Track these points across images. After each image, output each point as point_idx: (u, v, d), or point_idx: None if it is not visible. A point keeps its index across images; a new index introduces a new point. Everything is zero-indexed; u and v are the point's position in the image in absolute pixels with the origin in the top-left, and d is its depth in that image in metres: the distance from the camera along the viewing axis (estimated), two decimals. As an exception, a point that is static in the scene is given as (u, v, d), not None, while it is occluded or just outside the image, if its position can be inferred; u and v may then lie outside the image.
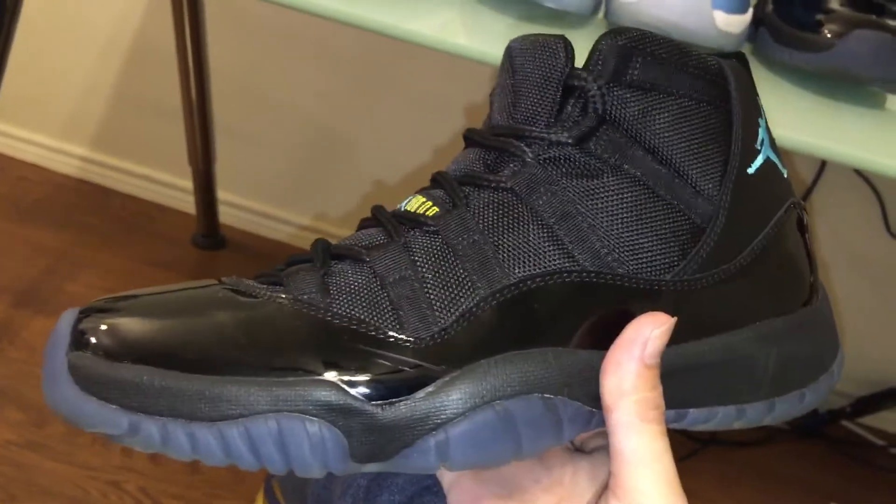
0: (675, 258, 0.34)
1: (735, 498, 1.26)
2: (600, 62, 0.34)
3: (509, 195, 0.34)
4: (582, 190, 0.34)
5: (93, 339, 0.30)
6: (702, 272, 0.34)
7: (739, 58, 0.38)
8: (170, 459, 1.01)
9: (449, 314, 0.32)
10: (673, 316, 0.33)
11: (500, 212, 0.33)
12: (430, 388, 0.30)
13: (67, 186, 1.55)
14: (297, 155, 1.47)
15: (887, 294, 1.31)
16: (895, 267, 1.28)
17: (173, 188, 1.54)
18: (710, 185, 0.35)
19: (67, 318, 0.31)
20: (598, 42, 0.34)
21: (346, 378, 0.30)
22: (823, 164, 1.19)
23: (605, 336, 0.33)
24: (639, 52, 0.34)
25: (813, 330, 0.38)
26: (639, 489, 0.31)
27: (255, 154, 1.47)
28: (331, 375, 0.30)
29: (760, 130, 0.37)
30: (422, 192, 0.36)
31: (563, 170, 0.34)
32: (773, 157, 0.37)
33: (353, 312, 0.31)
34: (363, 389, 0.30)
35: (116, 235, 1.47)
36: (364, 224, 0.36)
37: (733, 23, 0.62)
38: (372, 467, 0.31)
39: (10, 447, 1.11)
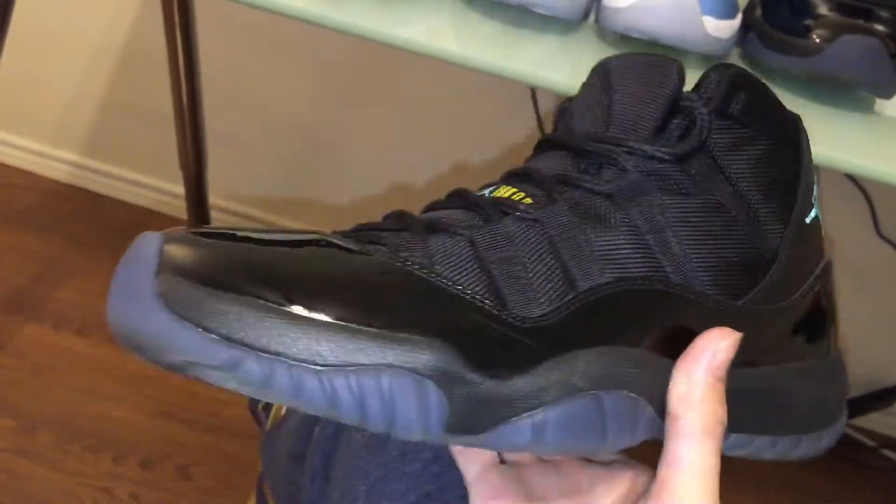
0: (747, 286, 0.36)
1: (726, 500, 1.26)
2: (711, 89, 0.35)
3: (606, 200, 0.34)
4: (675, 206, 0.35)
5: (190, 265, 0.28)
6: (764, 302, 0.36)
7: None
8: (160, 466, 1.00)
9: (550, 301, 0.32)
10: None
11: (597, 213, 0.34)
12: (533, 368, 0.30)
13: (57, 192, 1.55)
14: (288, 161, 1.47)
15: (877, 296, 1.32)
16: (885, 269, 1.29)
17: (164, 194, 1.54)
18: (778, 225, 0.37)
19: (152, 240, 0.29)
20: (709, 70, 0.36)
21: (457, 345, 0.29)
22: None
23: (673, 348, 0.34)
24: (743, 88, 0.36)
25: (839, 375, 0.41)
26: (687, 499, 0.32)
27: (246, 160, 1.47)
28: (443, 339, 0.29)
29: (815, 187, 0.39)
30: (508, 182, 0.36)
31: (660, 184, 0.35)
32: (819, 215, 0.40)
33: (462, 281, 0.31)
34: (473, 359, 0.29)
35: (107, 241, 1.46)
36: (436, 206, 0.36)
37: (722, 28, 0.62)
38: (463, 440, 0.30)
39: (1, 454, 1.10)
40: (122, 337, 0.28)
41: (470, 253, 0.32)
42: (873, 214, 1.22)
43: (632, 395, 0.32)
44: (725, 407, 0.33)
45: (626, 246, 0.34)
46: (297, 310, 0.28)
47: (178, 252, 0.29)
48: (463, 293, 0.31)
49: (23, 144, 1.56)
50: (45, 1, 1.37)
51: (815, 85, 0.65)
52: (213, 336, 0.27)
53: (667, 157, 0.35)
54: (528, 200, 0.34)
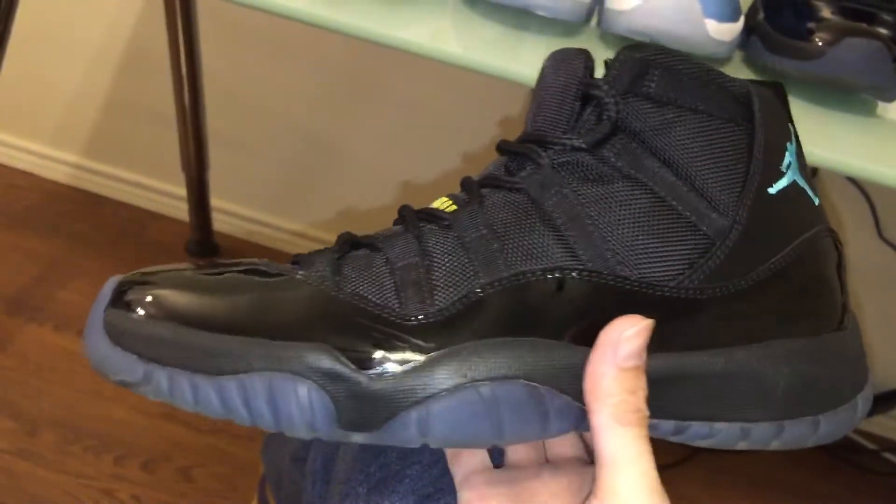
0: (682, 267, 0.34)
1: (724, 503, 1.26)
2: (616, 72, 0.35)
3: (522, 195, 0.35)
4: (592, 195, 0.35)
5: (126, 300, 0.33)
6: (709, 283, 0.35)
7: (776, 87, 0.39)
8: (162, 467, 1.00)
9: (447, 298, 0.33)
10: (673, 323, 0.34)
11: (511, 210, 0.35)
12: (416, 363, 0.32)
13: (59, 194, 1.55)
14: (290, 162, 1.47)
15: (879, 299, 1.31)
16: (887, 271, 1.29)
17: (166, 195, 1.54)
18: (727, 200, 0.35)
19: (111, 282, 0.34)
20: (617, 54, 0.36)
21: (339, 346, 0.32)
22: (815, 170, 1.19)
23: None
24: (656, 66, 0.35)
25: (833, 357, 0.38)
26: (616, 492, 0.32)
27: (248, 161, 1.47)
28: (326, 343, 0.32)
29: (787, 154, 0.37)
30: (449, 194, 0.38)
31: (576, 174, 0.35)
32: (802, 182, 0.38)
33: (358, 290, 0.33)
34: (354, 358, 0.32)
35: (108, 243, 1.46)
36: (394, 222, 0.38)
37: (724, 31, 0.62)
38: (358, 437, 0.32)
39: (2, 455, 1.10)
40: (89, 362, 0.34)
41: (381, 263, 0.35)
42: (875, 217, 1.22)
43: (531, 384, 0.32)
44: (641, 393, 0.32)
45: (540, 240, 0.34)
46: (200, 327, 0.32)
47: (124, 289, 0.34)
48: (352, 300, 0.33)
49: (24, 146, 1.56)
50: (46, 3, 1.37)
51: (818, 88, 0.65)
52: (134, 356, 0.32)
53: (580, 146, 0.35)
54: (453, 207, 0.36)
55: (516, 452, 0.39)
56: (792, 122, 0.39)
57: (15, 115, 1.53)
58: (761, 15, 0.67)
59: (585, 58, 0.37)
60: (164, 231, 1.52)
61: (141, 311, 0.33)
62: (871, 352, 1.43)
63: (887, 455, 1.36)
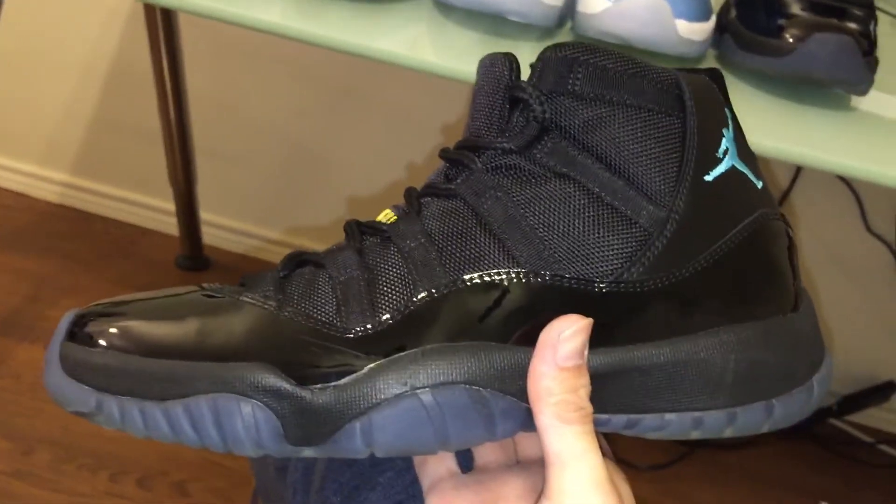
0: (620, 261, 0.35)
1: (725, 500, 1.26)
2: (540, 73, 0.36)
3: (458, 201, 0.36)
4: (526, 196, 0.35)
5: (78, 332, 0.34)
6: (649, 275, 0.35)
7: (713, 72, 0.38)
8: (157, 483, 1.00)
9: (386, 309, 0.33)
10: (615, 318, 0.34)
11: (447, 216, 0.35)
12: (356, 375, 0.32)
13: (49, 213, 1.55)
14: (277, 173, 1.47)
15: (868, 291, 1.32)
16: (875, 264, 1.29)
17: (155, 210, 1.54)
18: (662, 191, 0.35)
19: (67, 316, 0.35)
20: (540, 54, 0.36)
21: (282, 364, 0.32)
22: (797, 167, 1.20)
23: None
24: (580, 64, 0.35)
25: (784, 340, 0.37)
26: (563, 490, 0.32)
27: (235, 174, 1.48)
28: (268, 361, 0.32)
29: (724, 140, 0.37)
30: (393, 206, 0.38)
31: (509, 177, 0.35)
32: (742, 167, 0.37)
33: (300, 307, 0.34)
34: (296, 374, 0.32)
35: (99, 260, 1.47)
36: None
37: (695, 30, 0.62)
38: (308, 451, 0.33)
39: (-3, 476, 1.10)
40: (49, 395, 0.34)
41: (323, 280, 0.35)
42: (862, 211, 1.23)
43: (473, 387, 0.32)
44: (582, 391, 0.33)
45: (477, 244, 0.34)
46: (148, 354, 0.33)
47: (79, 322, 0.34)
48: (294, 318, 0.34)
49: (13, 166, 1.57)
50: (30, 23, 1.38)
51: (791, 84, 0.65)
52: (86, 387, 0.33)
53: (511, 149, 0.36)
54: (394, 218, 0.37)
55: (485, 455, 0.40)
56: (730, 106, 0.38)
57: (3, 136, 1.53)
58: (733, 13, 0.68)
59: (511, 61, 0.37)
60: (155, 246, 1.52)
61: (95, 343, 0.34)
62: (861, 345, 1.43)
63: (883, 447, 1.37)
